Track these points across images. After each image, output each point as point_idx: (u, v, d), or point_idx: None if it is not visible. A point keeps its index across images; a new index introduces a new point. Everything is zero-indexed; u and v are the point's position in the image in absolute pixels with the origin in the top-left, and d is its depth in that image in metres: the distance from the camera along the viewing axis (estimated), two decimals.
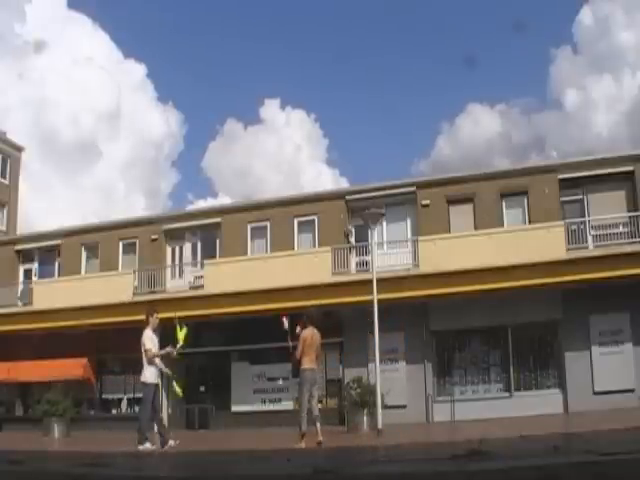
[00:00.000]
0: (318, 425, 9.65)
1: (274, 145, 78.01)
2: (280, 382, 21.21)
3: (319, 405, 10.53)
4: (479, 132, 77.99)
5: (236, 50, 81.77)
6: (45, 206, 59.53)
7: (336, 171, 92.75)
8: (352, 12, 78.48)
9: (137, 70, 79.90)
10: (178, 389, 10.84)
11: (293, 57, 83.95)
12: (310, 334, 9.94)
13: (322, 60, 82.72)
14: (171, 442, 9.84)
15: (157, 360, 10.09)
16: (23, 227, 37.46)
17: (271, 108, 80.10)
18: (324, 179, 72.71)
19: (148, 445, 9.66)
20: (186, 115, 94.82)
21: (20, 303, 25.27)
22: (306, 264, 20.41)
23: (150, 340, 10.06)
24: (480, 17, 75.48)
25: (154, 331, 10.28)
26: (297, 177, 73.03)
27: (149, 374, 10.03)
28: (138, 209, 66.89)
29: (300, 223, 23.37)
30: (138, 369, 10.28)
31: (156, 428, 10.45)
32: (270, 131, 79.04)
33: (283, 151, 77.19)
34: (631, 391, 17.56)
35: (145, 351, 10.02)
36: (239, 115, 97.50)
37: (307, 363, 9.87)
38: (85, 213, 67.61)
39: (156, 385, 10.10)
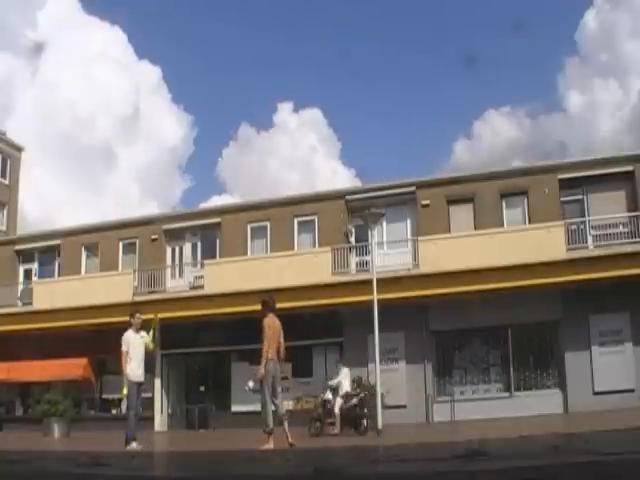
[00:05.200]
0: (286, 425, 8.85)
1: (288, 149, 77.64)
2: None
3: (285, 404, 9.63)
4: (497, 140, 77.43)
5: (249, 53, 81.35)
6: (59, 209, 59.44)
7: (350, 174, 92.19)
8: (366, 18, 78.23)
9: (152, 73, 79.58)
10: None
11: (305, 61, 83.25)
12: (273, 321, 9.01)
13: (336, 64, 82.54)
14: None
15: (127, 363, 10.13)
16: (23, 227, 37.46)
17: (284, 112, 79.65)
18: (339, 182, 72.17)
19: (134, 445, 9.56)
20: (199, 119, 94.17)
21: (20, 303, 25.29)
22: (306, 264, 20.41)
23: (125, 341, 10.17)
24: (488, 22, 75.33)
25: (137, 331, 10.35)
26: (312, 180, 72.31)
27: (129, 372, 10.12)
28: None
29: (300, 223, 23.35)
30: None
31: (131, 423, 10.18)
32: (284, 135, 78.61)
33: (297, 155, 76.78)
34: (631, 391, 17.56)
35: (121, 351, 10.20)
36: (252, 120, 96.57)
37: (269, 353, 8.91)
38: (97, 217, 67.55)
39: (139, 383, 10.19)
